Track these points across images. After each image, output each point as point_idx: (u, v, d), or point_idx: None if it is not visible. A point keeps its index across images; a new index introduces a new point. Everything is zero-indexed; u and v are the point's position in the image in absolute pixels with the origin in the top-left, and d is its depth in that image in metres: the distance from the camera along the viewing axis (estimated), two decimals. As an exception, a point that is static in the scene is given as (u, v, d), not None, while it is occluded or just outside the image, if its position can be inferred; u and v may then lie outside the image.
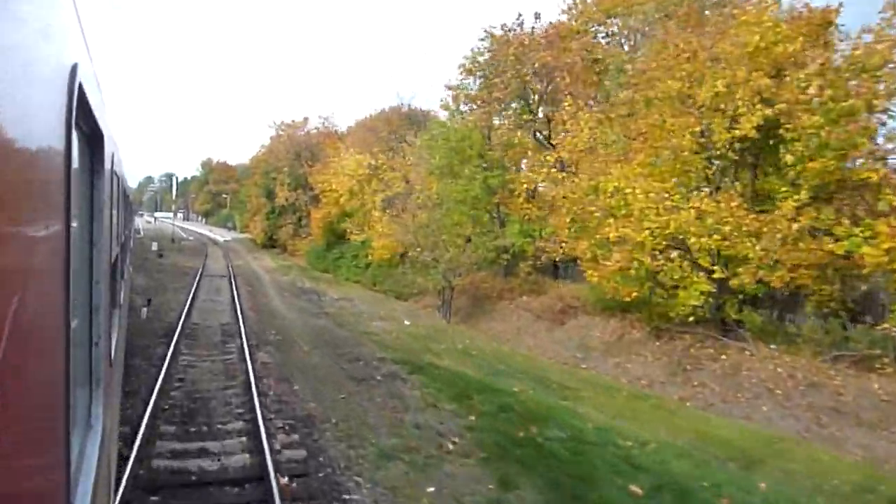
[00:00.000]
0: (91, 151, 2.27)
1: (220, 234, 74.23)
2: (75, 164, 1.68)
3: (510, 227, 21.96)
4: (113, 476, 3.75)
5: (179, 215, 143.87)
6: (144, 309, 16.63)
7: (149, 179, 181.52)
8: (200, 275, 28.81)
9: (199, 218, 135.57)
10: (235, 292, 22.30)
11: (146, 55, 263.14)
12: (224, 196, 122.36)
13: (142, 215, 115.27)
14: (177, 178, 51.97)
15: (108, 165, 2.66)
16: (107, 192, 2.64)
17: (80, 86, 1.48)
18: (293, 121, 50.61)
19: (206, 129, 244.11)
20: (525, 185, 21.37)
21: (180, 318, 16.59)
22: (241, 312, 17.84)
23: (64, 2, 1.42)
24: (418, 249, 22.36)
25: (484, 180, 21.56)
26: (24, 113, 0.94)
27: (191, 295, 21.10)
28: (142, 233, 64.44)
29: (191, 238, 65.50)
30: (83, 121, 1.86)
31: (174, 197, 57.77)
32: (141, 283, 24.24)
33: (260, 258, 43.29)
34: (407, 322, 18.41)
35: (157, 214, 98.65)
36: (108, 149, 2.63)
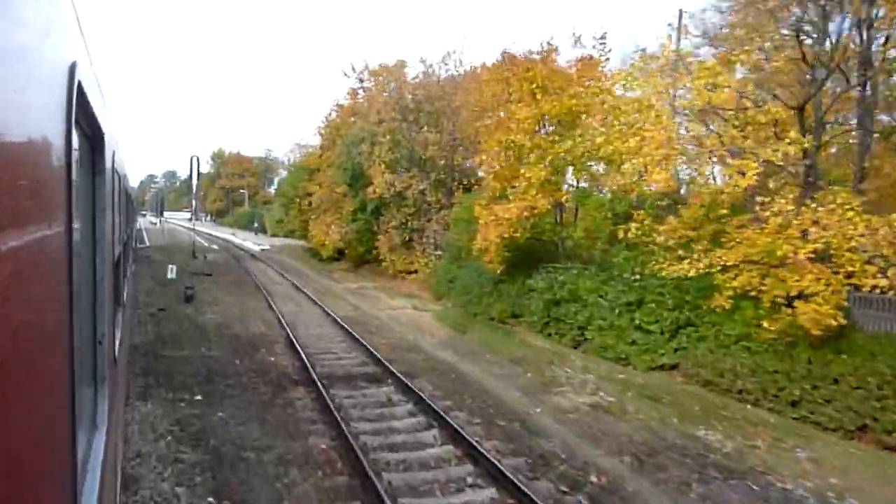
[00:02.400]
0: (91, 150, 2.26)
1: (249, 240, 55.71)
2: (76, 163, 1.62)
3: None
4: (119, 474, 3.62)
5: (186, 213, 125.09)
6: None
7: (151, 177, 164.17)
8: (316, 380, 10.30)
9: (209, 217, 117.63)
10: None
11: (145, 52, 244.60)
12: (241, 192, 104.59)
13: (144, 215, 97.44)
14: (197, 160, 33.42)
15: (108, 164, 2.64)
16: (108, 190, 2.62)
17: (80, 84, 1.46)
18: (380, 66, 31.82)
19: (211, 123, 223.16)
20: None
21: None
22: None
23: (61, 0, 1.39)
24: None
25: None
26: (23, 112, 0.92)
27: None
28: (147, 241, 45.83)
29: (214, 247, 46.90)
30: (83, 120, 1.86)
31: (194, 189, 39.34)
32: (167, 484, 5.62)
33: (365, 292, 24.34)
34: None
35: (166, 214, 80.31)
36: (108, 147, 2.61)
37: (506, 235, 18.34)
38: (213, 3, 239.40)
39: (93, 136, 2.18)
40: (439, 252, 26.68)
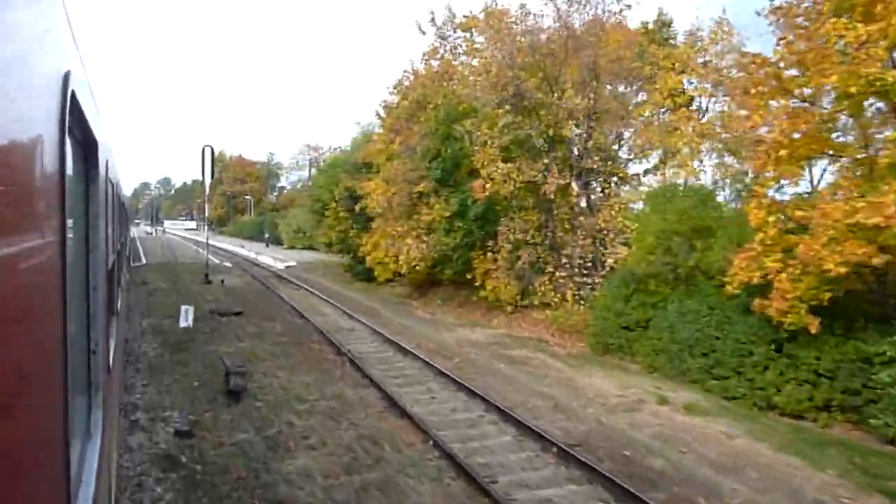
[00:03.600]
0: (85, 159, 2.23)
1: (264, 253, 46.41)
2: (69, 171, 1.59)
3: None
4: (113, 483, 3.67)
5: (186, 222, 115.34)
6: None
7: (145, 185, 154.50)
8: None
9: (209, 225, 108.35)
10: None
11: (138, 57, 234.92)
12: (245, 198, 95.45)
13: (138, 224, 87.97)
14: (212, 151, 24.33)
15: (102, 172, 2.62)
16: (101, 198, 2.59)
17: (73, 93, 1.46)
18: (484, 7, 22.51)
19: (207, 129, 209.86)
20: None
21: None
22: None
23: (55, 9, 1.39)
24: None
25: None
26: (18, 121, 0.92)
27: None
28: (143, 257, 36.30)
29: (227, 264, 37.48)
30: (77, 128, 1.84)
31: (207, 190, 30.19)
32: None
33: (507, 351, 14.91)
34: None
35: (167, 223, 71.04)
36: (102, 156, 2.58)
37: (873, 260, 9.20)
38: (208, 6, 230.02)
39: (86, 145, 2.16)
40: (589, 280, 17.54)
